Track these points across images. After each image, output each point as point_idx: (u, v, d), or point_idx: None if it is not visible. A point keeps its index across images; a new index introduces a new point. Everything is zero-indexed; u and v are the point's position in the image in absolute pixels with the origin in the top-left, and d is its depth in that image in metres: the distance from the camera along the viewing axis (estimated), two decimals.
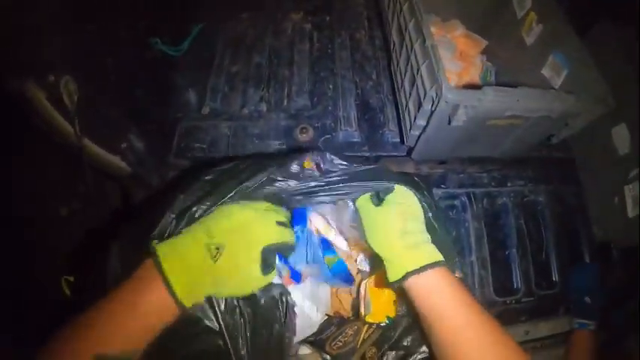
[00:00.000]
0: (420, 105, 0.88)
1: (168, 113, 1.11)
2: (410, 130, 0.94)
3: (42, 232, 1.21)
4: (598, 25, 1.12)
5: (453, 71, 1.16)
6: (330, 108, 1.11)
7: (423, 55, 0.88)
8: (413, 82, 0.92)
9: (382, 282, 0.87)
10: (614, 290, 1.06)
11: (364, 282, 0.89)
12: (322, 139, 1.06)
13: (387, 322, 0.82)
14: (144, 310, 0.56)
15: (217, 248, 0.59)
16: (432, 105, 0.84)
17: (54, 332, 0.55)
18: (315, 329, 0.83)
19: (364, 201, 0.70)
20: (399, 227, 0.65)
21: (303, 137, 1.05)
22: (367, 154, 1.05)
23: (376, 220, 0.67)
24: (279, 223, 0.66)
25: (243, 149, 1.05)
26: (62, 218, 1.27)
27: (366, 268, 0.93)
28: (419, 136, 0.93)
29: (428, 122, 0.87)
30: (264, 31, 1.26)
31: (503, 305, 1.02)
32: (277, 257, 0.68)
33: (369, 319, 0.83)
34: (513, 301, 1.03)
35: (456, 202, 1.07)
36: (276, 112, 1.10)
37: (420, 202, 0.70)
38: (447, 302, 0.62)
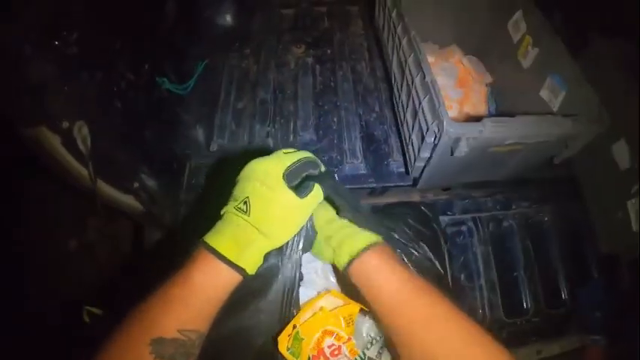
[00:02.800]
0: (423, 138, 0.87)
1: (177, 151, 1.11)
2: (414, 162, 0.94)
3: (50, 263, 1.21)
4: (591, 42, 1.11)
5: (454, 99, 1.15)
6: (335, 141, 1.11)
7: (423, 89, 0.87)
8: (415, 116, 0.92)
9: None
10: (624, 304, 1.04)
11: None
12: None
13: None
14: (200, 284, 0.56)
15: (245, 203, 0.58)
16: (435, 138, 0.83)
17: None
18: None
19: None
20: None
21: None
22: (373, 186, 1.04)
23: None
24: (286, 152, 0.64)
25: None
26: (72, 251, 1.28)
27: None
28: (423, 168, 0.92)
29: (431, 155, 0.87)
30: (267, 66, 1.26)
31: (514, 326, 1.01)
32: None
33: None
34: (524, 322, 1.02)
35: (463, 228, 1.06)
36: (283, 147, 1.09)
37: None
38: (391, 272, 0.61)
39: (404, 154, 1.03)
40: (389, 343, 0.70)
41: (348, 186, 1.04)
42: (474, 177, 1.04)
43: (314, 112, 1.17)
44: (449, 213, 1.07)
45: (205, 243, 0.57)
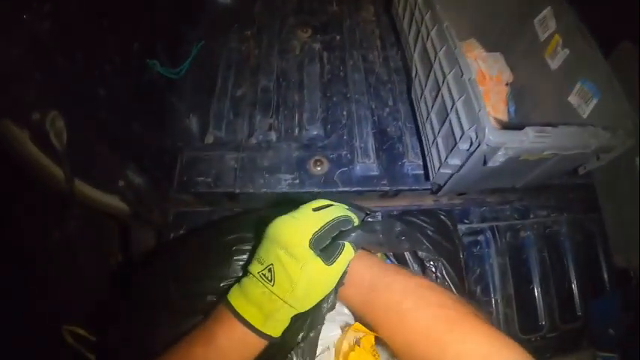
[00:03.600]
0: (455, 144, 0.77)
1: (168, 143, 0.97)
2: (438, 168, 0.84)
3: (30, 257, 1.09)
4: (619, 47, 1.04)
5: None
6: (345, 137, 1.00)
7: (458, 89, 0.77)
8: (443, 117, 0.82)
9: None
10: (637, 320, 1.00)
11: None
12: (338, 172, 0.94)
13: None
14: (226, 348, 0.54)
15: (269, 270, 0.55)
16: (470, 146, 0.74)
17: None
18: None
19: None
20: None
21: (318, 170, 0.94)
22: (387, 189, 0.94)
23: None
24: (316, 209, 0.60)
25: (252, 184, 0.92)
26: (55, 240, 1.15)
27: None
28: (451, 175, 0.83)
29: (464, 163, 0.77)
30: (269, 51, 1.12)
31: (529, 343, 0.94)
32: None
33: None
34: (538, 338, 0.95)
35: (480, 238, 0.98)
36: (287, 141, 0.98)
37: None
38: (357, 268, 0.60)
39: (423, 157, 0.94)
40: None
41: (358, 188, 0.94)
42: (495, 184, 0.96)
43: (322, 103, 1.05)
44: (466, 221, 0.98)
45: (231, 306, 0.55)
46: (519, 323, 0.94)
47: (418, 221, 0.85)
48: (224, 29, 1.15)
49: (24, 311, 1.04)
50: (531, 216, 1.02)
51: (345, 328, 0.70)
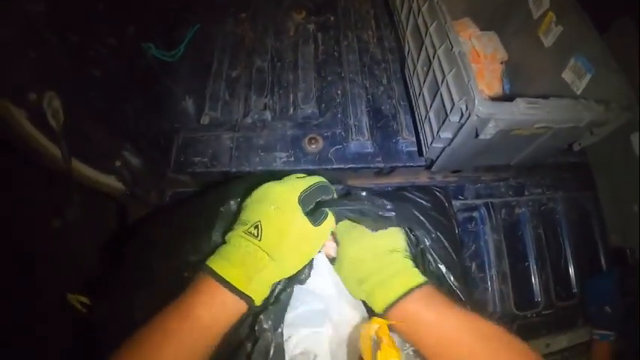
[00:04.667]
0: (446, 117, 0.77)
1: (165, 125, 0.98)
2: (431, 142, 0.83)
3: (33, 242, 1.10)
4: (616, 23, 1.02)
5: None
6: (339, 116, 0.99)
7: (448, 62, 0.77)
8: (435, 92, 0.81)
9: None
10: (632, 298, 0.98)
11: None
12: (333, 149, 0.94)
13: None
14: (205, 317, 0.52)
15: (256, 227, 0.55)
16: (461, 118, 0.73)
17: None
18: None
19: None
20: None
21: (312, 148, 0.94)
22: (381, 165, 0.94)
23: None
24: (299, 177, 0.63)
25: (248, 163, 0.92)
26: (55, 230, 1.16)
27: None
28: (443, 149, 0.82)
29: (454, 135, 0.77)
30: (264, 32, 1.12)
31: (525, 319, 0.94)
32: None
33: None
34: (534, 315, 0.95)
35: (475, 214, 0.97)
36: (282, 120, 0.98)
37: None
38: (435, 318, 0.56)
39: (416, 133, 0.93)
40: None
41: (352, 165, 0.93)
42: (489, 160, 0.95)
43: (316, 83, 1.05)
44: (460, 197, 0.98)
45: (211, 269, 0.54)
46: (514, 299, 0.94)
47: (412, 196, 0.84)
48: (220, 12, 1.15)
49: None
50: (526, 193, 1.01)
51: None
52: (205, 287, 0.53)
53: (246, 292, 0.53)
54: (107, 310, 0.71)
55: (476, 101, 0.68)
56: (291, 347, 0.62)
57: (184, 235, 0.70)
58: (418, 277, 0.59)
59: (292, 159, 0.93)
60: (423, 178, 1.00)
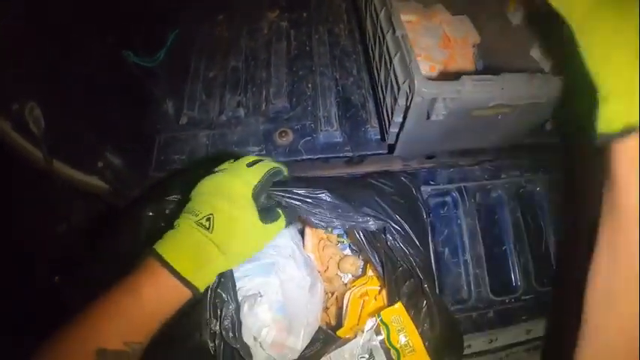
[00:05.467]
0: (395, 100, 0.78)
1: (146, 126, 1.03)
2: (389, 127, 0.85)
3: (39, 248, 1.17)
4: None
5: (439, 60, 1.05)
6: (309, 108, 1.02)
7: (394, 46, 0.78)
8: (387, 77, 0.83)
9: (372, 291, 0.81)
10: None
11: (348, 292, 0.81)
12: (302, 141, 0.97)
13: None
14: (149, 298, 0.53)
15: (208, 219, 0.57)
16: (407, 100, 0.74)
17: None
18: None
19: None
20: None
21: (283, 141, 0.97)
22: (350, 154, 0.95)
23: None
24: (249, 164, 0.64)
25: (221, 158, 0.96)
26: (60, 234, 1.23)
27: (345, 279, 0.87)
28: (398, 133, 0.83)
29: (404, 118, 0.78)
30: (239, 33, 1.17)
31: (502, 305, 0.92)
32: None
33: (340, 334, 0.76)
34: (513, 300, 0.93)
35: (447, 199, 0.97)
36: (255, 116, 1.02)
37: None
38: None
39: (379, 120, 0.95)
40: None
41: (322, 155, 0.96)
42: (460, 144, 0.95)
43: (287, 78, 1.08)
44: (432, 182, 0.98)
45: (159, 256, 0.55)
46: (491, 284, 0.92)
47: (377, 182, 0.85)
48: (198, 15, 1.20)
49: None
50: (503, 176, 0.99)
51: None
52: (152, 271, 0.54)
53: (193, 283, 0.55)
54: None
55: (416, 81, 0.69)
56: (243, 292, 0.66)
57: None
58: None
59: (264, 152, 0.96)
60: (396, 166, 1.00)
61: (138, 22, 1.10)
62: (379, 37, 0.86)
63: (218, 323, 0.62)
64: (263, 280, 0.68)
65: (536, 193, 1.00)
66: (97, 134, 0.97)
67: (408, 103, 0.73)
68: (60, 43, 0.90)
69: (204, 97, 1.06)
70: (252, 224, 0.59)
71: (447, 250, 0.94)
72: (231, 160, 0.67)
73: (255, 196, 0.60)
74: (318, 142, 0.97)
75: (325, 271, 0.86)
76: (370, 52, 0.96)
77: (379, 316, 0.70)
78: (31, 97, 0.82)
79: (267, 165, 0.65)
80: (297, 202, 0.66)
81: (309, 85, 1.06)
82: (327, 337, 0.78)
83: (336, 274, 0.87)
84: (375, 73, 0.92)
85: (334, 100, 1.02)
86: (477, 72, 1.05)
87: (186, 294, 0.55)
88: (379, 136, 0.97)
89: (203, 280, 0.57)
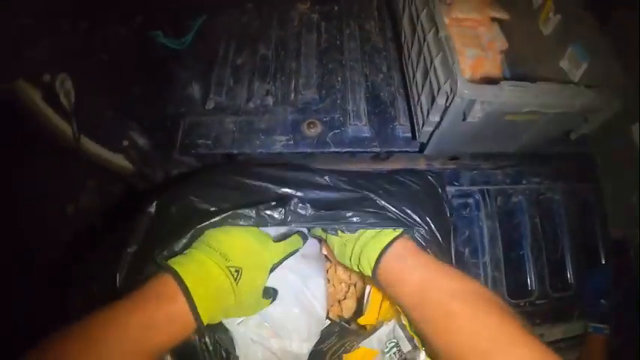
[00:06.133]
0: (433, 100, 0.82)
1: (171, 108, 1.06)
2: (422, 126, 0.89)
3: (46, 230, 1.17)
4: (617, 14, 1.05)
5: (467, 63, 1.10)
6: (338, 101, 1.06)
7: (436, 47, 0.82)
8: (426, 76, 0.87)
9: None
10: (630, 292, 1.01)
11: (369, 286, 0.85)
12: (331, 133, 1.01)
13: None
14: (159, 324, 0.55)
15: (237, 271, 0.61)
16: (447, 100, 0.79)
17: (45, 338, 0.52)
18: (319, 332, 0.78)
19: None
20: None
21: (311, 132, 1.00)
22: (377, 150, 1.00)
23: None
24: (277, 239, 0.71)
25: (249, 145, 1.00)
26: (69, 215, 1.24)
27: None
28: (432, 133, 0.87)
29: (442, 118, 0.82)
30: (269, 22, 1.20)
31: (517, 308, 0.97)
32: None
33: (360, 321, 0.80)
34: (527, 304, 0.98)
35: (470, 200, 1.02)
36: (283, 105, 1.05)
37: None
38: (409, 268, 0.63)
39: (411, 119, 0.99)
40: (419, 340, 0.67)
41: (349, 149, 1.00)
42: (485, 147, 1.00)
43: (317, 70, 1.11)
44: (455, 183, 1.03)
45: (182, 282, 0.56)
46: (508, 287, 0.98)
47: (404, 179, 0.89)
48: (226, 2, 1.23)
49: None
50: (524, 182, 1.05)
51: None
52: (167, 294, 0.56)
53: (203, 320, 0.57)
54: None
55: (459, 83, 0.73)
56: None
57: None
58: (390, 234, 0.68)
59: (291, 142, 1.00)
60: (421, 165, 1.05)
61: (166, 4, 1.13)
62: (418, 36, 0.90)
63: None
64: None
65: (554, 201, 1.05)
66: (123, 112, 0.99)
67: (448, 104, 0.78)
68: (90, 19, 0.92)
69: (231, 83, 1.09)
70: (260, 295, 0.67)
71: (467, 250, 0.98)
72: (260, 208, 0.68)
73: (271, 270, 0.68)
74: (347, 136, 1.00)
75: None
76: (405, 50, 1.00)
77: None
78: (63, 69, 0.84)
79: (291, 246, 0.72)
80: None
81: (339, 79, 1.09)
82: (342, 329, 0.83)
83: None
84: (410, 72, 0.97)
85: (363, 95, 1.06)
86: (504, 78, 1.10)
87: (191, 327, 0.57)
88: (407, 134, 1.01)
89: (211, 320, 0.60)
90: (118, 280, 0.64)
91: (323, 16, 1.23)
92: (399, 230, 0.68)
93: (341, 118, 1.03)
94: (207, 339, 0.64)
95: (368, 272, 0.66)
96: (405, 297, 0.62)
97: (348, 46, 1.15)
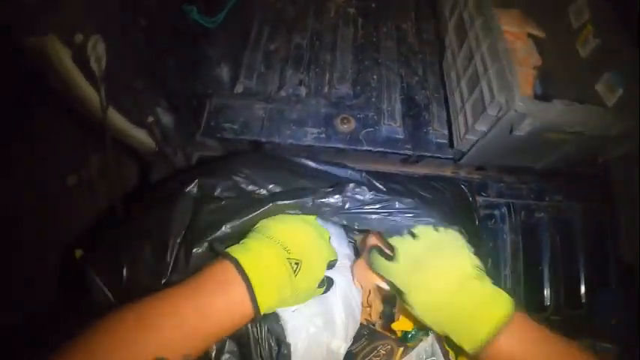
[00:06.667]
0: (483, 110, 0.84)
1: (197, 88, 1.04)
2: (465, 134, 0.91)
3: (46, 197, 1.13)
4: None
5: None
6: (373, 99, 1.07)
7: (492, 58, 0.84)
8: (474, 85, 0.89)
9: None
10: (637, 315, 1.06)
11: None
12: (364, 131, 1.01)
13: (413, 332, 0.80)
14: (217, 313, 0.55)
15: (297, 263, 0.62)
16: (499, 112, 0.81)
17: (88, 326, 0.51)
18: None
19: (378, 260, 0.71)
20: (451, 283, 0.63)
21: (344, 128, 1.01)
22: (410, 153, 1.01)
23: (412, 281, 0.65)
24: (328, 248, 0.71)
25: (278, 134, 0.99)
26: (70, 187, 1.20)
27: None
28: (476, 142, 0.90)
29: (490, 129, 0.84)
30: (305, 10, 1.20)
31: None
32: None
33: (394, 326, 0.82)
34: (542, 319, 1.01)
35: (496, 212, 1.05)
36: (316, 97, 1.06)
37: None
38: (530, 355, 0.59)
39: (450, 126, 1.01)
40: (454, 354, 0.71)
41: (382, 149, 1.01)
42: (514, 161, 1.03)
43: (353, 65, 1.12)
44: (484, 194, 1.05)
45: (243, 270, 0.57)
46: (525, 301, 1.01)
47: (438, 186, 0.91)
48: None
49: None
50: (547, 199, 1.09)
51: None
52: (227, 282, 0.57)
53: (260, 310, 0.57)
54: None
55: (516, 97, 0.75)
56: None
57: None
58: (505, 307, 0.60)
59: (323, 136, 1.00)
60: (447, 172, 1.07)
61: None
62: (470, 44, 0.92)
63: None
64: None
65: (573, 220, 1.09)
66: (151, 87, 0.97)
67: (501, 115, 0.80)
68: None
69: (263, 69, 1.08)
70: (316, 286, 0.67)
71: (489, 261, 1.01)
72: (317, 195, 0.69)
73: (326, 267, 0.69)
74: (380, 135, 1.02)
75: None
76: (448, 55, 1.02)
77: None
78: (97, 30, 0.81)
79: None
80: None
81: (374, 77, 1.10)
82: (371, 332, 0.84)
83: None
84: (453, 78, 0.99)
85: (398, 96, 1.08)
86: (535, 94, 1.13)
87: (248, 316, 0.58)
88: (440, 140, 1.03)
89: (267, 309, 0.60)
90: (169, 267, 0.64)
91: (360, 12, 1.24)
92: (511, 306, 0.60)
93: (375, 117, 1.04)
94: (258, 327, 0.64)
95: (470, 348, 0.58)
96: None
97: (385, 44, 1.17)
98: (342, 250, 0.83)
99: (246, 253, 0.59)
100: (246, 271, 0.57)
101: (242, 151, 1.02)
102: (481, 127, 0.87)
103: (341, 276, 0.77)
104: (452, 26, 1.02)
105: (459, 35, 0.98)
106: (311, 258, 0.64)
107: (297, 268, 0.62)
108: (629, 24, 1.00)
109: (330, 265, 0.70)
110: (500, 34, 0.84)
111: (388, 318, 0.86)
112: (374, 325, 0.88)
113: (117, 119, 0.91)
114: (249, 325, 0.63)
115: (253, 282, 0.56)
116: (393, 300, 0.86)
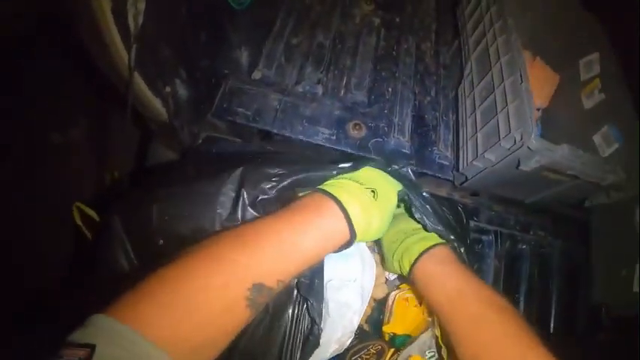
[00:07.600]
0: (497, 141, 0.92)
1: (217, 68, 1.07)
2: (473, 160, 0.99)
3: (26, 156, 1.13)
4: None
5: None
6: (386, 111, 1.14)
7: (514, 93, 0.93)
8: (490, 115, 0.97)
9: (413, 299, 0.94)
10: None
11: (394, 293, 0.94)
12: (373, 140, 1.08)
13: (402, 337, 0.88)
14: (314, 231, 0.64)
15: (372, 191, 0.73)
16: (512, 146, 0.89)
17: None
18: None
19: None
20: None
21: (355, 134, 1.07)
22: (413, 169, 1.08)
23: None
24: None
25: (290, 128, 1.04)
26: (54, 144, 1.20)
27: (393, 278, 0.99)
28: (482, 170, 0.98)
29: (500, 160, 0.93)
30: (331, 11, 1.26)
31: None
32: None
33: (385, 329, 0.89)
34: None
35: (484, 238, 1.14)
36: (332, 99, 1.11)
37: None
38: (445, 274, 0.78)
39: (456, 149, 1.09)
40: (446, 346, 0.82)
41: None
42: (509, 192, 1.12)
43: (371, 74, 1.19)
44: (475, 219, 1.14)
45: (335, 198, 0.68)
46: None
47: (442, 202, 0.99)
48: None
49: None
50: (531, 232, 1.19)
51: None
52: (324, 209, 0.67)
53: (356, 231, 0.67)
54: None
55: (532, 135, 0.84)
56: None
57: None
58: (435, 239, 0.84)
59: (334, 138, 1.05)
60: (442, 193, 1.15)
61: None
62: (493, 76, 1.00)
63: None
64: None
65: (553, 257, 1.20)
66: (177, 56, 0.99)
67: (514, 149, 0.89)
68: None
69: (283, 60, 1.13)
70: (393, 212, 0.78)
71: None
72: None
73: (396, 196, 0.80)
74: (388, 147, 1.08)
75: None
76: (467, 83, 1.10)
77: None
78: None
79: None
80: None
81: (389, 89, 1.17)
82: (361, 333, 0.91)
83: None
84: (467, 105, 1.07)
85: (410, 112, 1.15)
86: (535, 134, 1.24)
87: (344, 240, 0.68)
88: (443, 161, 1.11)
89: (361, 231, 0.69)
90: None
91: (384, 23, 1.31)
92: (440, 240, 0.85)
93: (386, 128, 1.11)
94: (297, 307, 0.70)
95: (406, 269, 0.81)
96: (440, 299, 0.75)
97: (404, 60, 1.24)
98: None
99: (329, 186, 0.73)
100: (336, 196, 0.68)
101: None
102: (490, 156, 0.95)
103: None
104: (474, 57, 1.10)
105: (481, 66, 1.06)
106: (382, 186, 0.76)
107: (374, 194, 0.73)
108: (633, 82, 1.12)
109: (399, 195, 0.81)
110: (525, 73, 0.92)
111: (377, 323, 0.93)
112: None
113: (137, 83, 0.93)
114: (293, 297, 0.73)
115: (344, 203, 0.67)
116: (382, 304, 0.94)
